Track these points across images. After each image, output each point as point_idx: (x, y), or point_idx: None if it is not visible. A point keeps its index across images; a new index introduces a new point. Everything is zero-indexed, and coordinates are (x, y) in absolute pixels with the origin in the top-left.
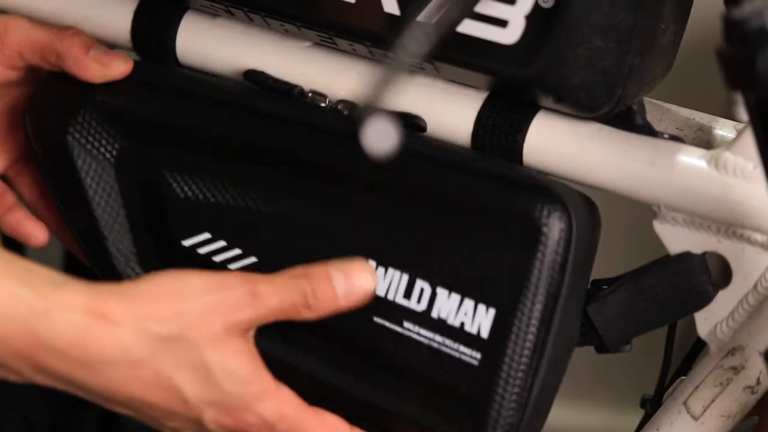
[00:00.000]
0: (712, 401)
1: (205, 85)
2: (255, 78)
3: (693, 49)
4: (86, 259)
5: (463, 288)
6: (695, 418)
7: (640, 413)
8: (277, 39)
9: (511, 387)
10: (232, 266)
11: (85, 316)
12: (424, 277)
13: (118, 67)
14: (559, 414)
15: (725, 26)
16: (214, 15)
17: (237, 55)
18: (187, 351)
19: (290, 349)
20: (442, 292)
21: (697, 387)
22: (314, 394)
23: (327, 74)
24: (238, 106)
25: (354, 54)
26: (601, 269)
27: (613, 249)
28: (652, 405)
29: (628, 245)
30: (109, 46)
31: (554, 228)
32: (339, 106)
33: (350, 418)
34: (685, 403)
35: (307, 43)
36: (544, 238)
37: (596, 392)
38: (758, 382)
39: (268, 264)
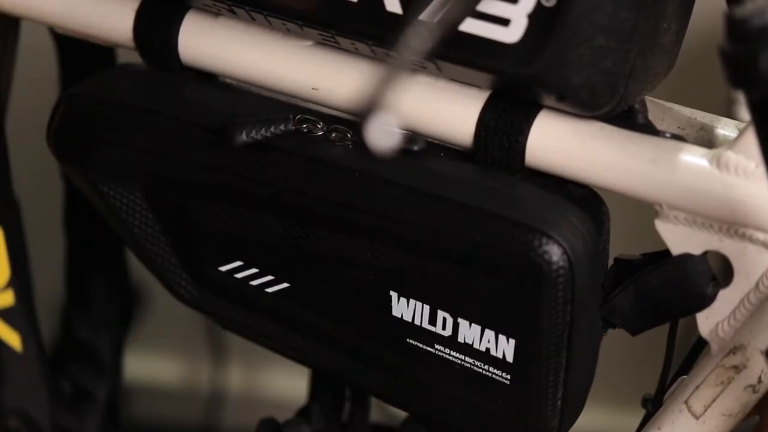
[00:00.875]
0: (714, 400)
1: (208, 115)
2: (242, 128)
3: (695, 48)
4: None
5: (481, 320)
6: (696, 417)
7: (642, 413)
8: (279, 38)
9: (544, 402)
10: (269, 290)
11: None
12: (444, 309)
13: None
14: None
15: (727, 25)
16: (216, 14)
17: (239, 54)
18: None
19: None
20: (463, 322)
21: (698, 386)
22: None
23: (329, 73)
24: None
25: (356, 53)
26: None
27: (614, 248)
28: (653, 404)
29: (630, 244)
30: (111, 45)
31: (552, 264)
32: (333, 135)
33: None
34: (686, 402)
35: (309, 42)
36: (544, 275)
37: (596, 392)
38: (759, 381)
39: (300, 289)
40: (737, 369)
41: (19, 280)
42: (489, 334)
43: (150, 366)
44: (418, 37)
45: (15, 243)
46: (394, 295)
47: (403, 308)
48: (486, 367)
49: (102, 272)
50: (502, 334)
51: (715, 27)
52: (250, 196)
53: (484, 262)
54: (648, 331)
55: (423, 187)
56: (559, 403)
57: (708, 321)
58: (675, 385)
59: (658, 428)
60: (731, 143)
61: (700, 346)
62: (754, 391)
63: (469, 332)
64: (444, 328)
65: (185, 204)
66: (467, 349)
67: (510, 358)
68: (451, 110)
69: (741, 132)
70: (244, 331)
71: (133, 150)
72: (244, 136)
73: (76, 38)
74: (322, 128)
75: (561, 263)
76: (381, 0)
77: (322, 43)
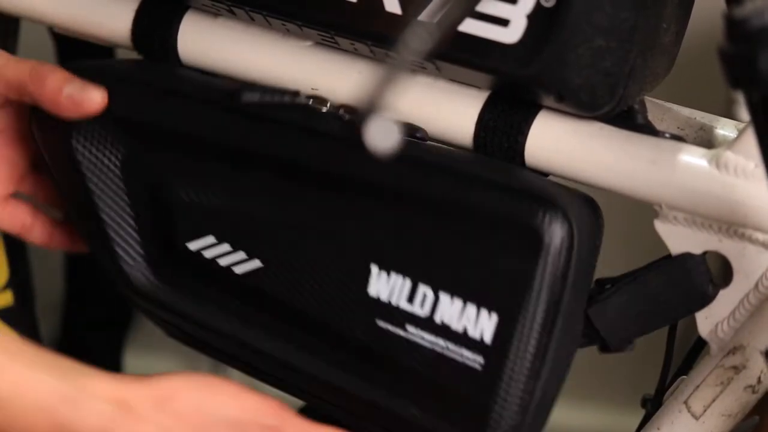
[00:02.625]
0: (713, 400)
1: (208, 89)
2: (252, 91)
3: (694, 48)
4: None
5: (466, 293)
6: (696, 418)
7: (641, 413)
8: (279, 38)
9: (513, 391)
10: (237, 269)
11: (111, 406)
12: (427, 282)
13: (93, 105)
14: (559, 414)
15: (727, 25)
16: (216, 14)
17: (239, 54)
18: None
19: (294, 351)
20: (444, 297)
21: (697, 386)
22: (317, 394)
23: (328, 73)
24: (240, 112)
25: (355, 53)
26: (602, 269)
27: (613, 248)
28: (652, 404)
29: (629, 245)
30: (110, 46)
31: (555, 236)
32: (340, 111)
33: (352, 419)
34: (685, 403)
35: (309, 43)
36: (545, 246)
37: (596, 392)
38: (759, 381)
39: (273, 268)
40: (737, 369)
41: (19, 280)
42: (470, 310)
43: (150, 366)
44: (418, 38)
45: (15, 243)
46: (374, 268)
47: (381, 284)
48: (459, 350)
49: (102, 272)
50: (486, 308)
51: (714, 27)
52: (239, 155)
53: (488, 231)
54: (649, 332)
55: (426, 157)
56: (527, 398)
57: (708, 321)
58: (674, 385)
59: (658, 428)
60: (730, 143)
61: (699, 346)
62: (754, 392)
63: (448, 310)
64: (422, 305)
65: (167, 172)
66: (442, 330)
67: (488, 338)
68: (450, 110)
69: (740, 132)
70: (188, 327)
71: (122, 121)
72: (250, 96)
73: (76, 38)
74: (328, 107)
75: (564, 234)
76: (380, 0)
77: (321, 44)
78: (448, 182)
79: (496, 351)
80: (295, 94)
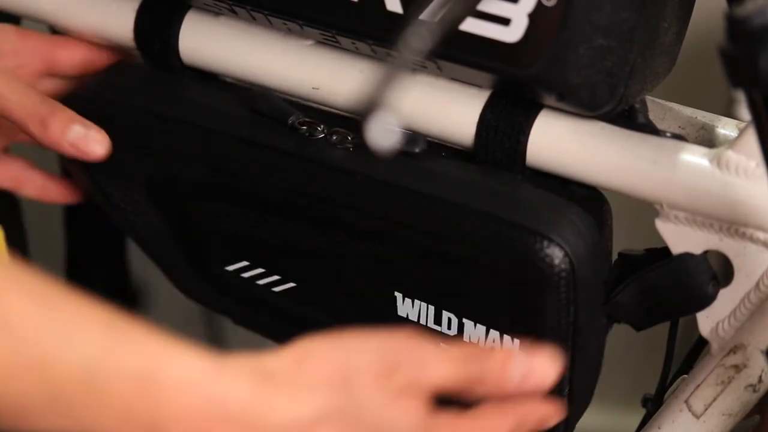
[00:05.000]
0: (714, 400)
1: (216, 119)
2: (253, 106)
3: (695, 47)
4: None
5: (486, 322)
6: (697, 417)
7: (642, 412)
8: (280, 37)
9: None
10: (276, 289)
11: (253, 376)
12: (448, 310)
13: (96, 154)
14: None
15: (728, 24)
16: (217, 14)
17: (240, 54)
18: (357, 411)
19: None
20: (468, 322)
21: (698, 385)
22: None
23: (330, 72)
24: (248, 144)
25: (357, 52)
26: None
27: (614, 248)
28: (653, 404)
29: (630, 244)
30: (112, 45)
31: (553, 268)
32: (334, 138)
33: None
34: (686, 402)
35: (310, 42)
36: (546, 279)
37: (597, 391)
38: (760, 380)
39: (306, 289)
40: (737, 368)
41: None
42: (494, 334)
43: None
44: (419, 37)
45: (15, 242)
46: (398, 295)
47: (408, 308)
48: None
49: (102, 272)
50: (507, 334)
51: (715, 26)
52: (253, 197)
53: (487, 265)
54: (648, 330)
55: (424, 189)
56: (565, 401)
57: (708, 320)
58: (675, 384)
59: (659, 428)
60: (732, 143)
61: (700, 345)
62: (755, 391)
63: (474, 332)
64: (449, 327)
65: (189, 204)
66: None
67: None
68: (451, 110)
69: (741, 131)
70: (254, 328)
71: (137, 152)
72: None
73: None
74: (322, 131)
75: (563, 266)
76: None
77: (322, 43)
78: (447, 219)
79: None
80: (290, 115)
